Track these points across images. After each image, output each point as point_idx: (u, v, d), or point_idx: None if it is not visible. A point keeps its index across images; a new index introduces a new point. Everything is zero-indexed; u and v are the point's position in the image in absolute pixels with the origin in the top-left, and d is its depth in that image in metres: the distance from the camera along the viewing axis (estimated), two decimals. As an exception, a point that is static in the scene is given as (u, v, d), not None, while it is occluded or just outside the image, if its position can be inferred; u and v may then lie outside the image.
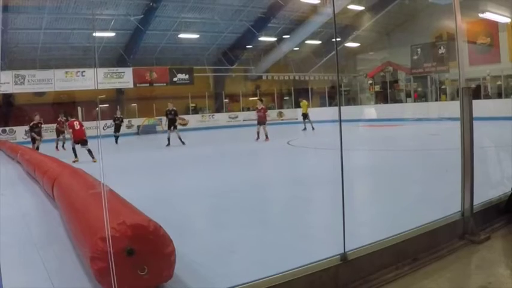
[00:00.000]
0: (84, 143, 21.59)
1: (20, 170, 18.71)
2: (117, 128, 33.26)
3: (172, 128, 28.61)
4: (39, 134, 26.03)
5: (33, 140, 25.73)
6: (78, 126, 22.01)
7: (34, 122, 26.19)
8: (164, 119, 30.85)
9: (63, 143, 28.87)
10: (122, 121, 34.33)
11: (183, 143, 27.79)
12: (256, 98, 39.33)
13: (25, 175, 16.96)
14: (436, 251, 6.05)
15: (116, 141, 31.79)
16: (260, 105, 30.28)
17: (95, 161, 19.30)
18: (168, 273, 5.18)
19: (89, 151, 20.88)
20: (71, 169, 10.93)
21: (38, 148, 24.93)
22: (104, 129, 39.61)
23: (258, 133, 28.94)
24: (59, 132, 29.34)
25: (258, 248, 7.11)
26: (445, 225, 6.48)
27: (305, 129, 35.28)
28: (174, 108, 29.30)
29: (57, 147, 29.19)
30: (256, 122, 29.73)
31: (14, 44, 41.22)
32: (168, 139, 28.15)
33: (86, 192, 7.54)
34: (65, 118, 26.88)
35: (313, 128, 35.29)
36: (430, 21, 41.79)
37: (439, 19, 38.79)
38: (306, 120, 36.56)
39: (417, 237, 6.01)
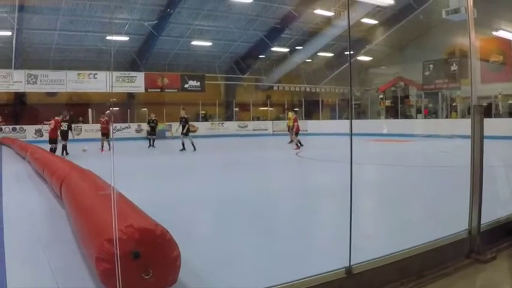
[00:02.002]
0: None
1: (29, 168, 18.74)
2: (153, 130, 34.33)
3: (182, 133, 29.14)
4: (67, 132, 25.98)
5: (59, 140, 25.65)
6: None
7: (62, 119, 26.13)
8: (176, 124, 31.41)
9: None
10: (157, 123, 34.88)
11: (194, 148, 28.16)
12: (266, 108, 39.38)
13: (34, 174, 16.99)
14: (442, 269, 6.02)
15: (152, 144, 33.18)
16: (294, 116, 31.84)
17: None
18: (172, 278, 5.16)
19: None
20: (79, 170, 10.93)
21: (64, 148, 24.88)
22: (113, 132, 39.69)
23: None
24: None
25: (262, 257, 7.10)
26: (452, 242, 6.45)
27: (291, 141, 34.09)
28: (185, 116, 29.73)
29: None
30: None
31: (29, 44, 41.45)
32: (182, 144, 28.94)
33: (94, 193, 7.54)
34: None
35: (292, 141, 34.92)
36: (443, 38, 41.74)
37: (452, 36, 38.73)
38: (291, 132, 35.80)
39: (423, 253, 5.98)
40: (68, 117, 26.32)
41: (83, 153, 26.11)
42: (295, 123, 30.97)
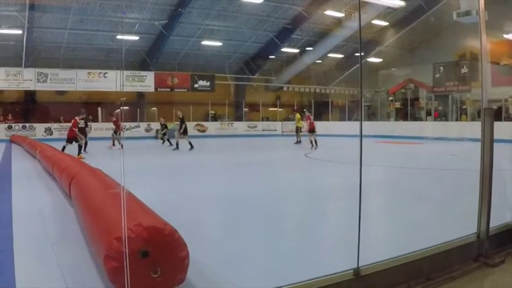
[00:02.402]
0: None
1: (39, 166, 18.79)
2: (164, 134, 35.15)
3: (180, 133, 30.10)
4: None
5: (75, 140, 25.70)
6: None
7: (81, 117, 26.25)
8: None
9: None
10: (166, 126, 36.09)
11: (192, 147, 28.89)
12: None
13: (43, 172, 17.03)
14: (450, 272, 6.00)
15: (166, 140, 33.74)
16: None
17: None
18: (181, 276, 5.17)
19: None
20: (88, 168, 10.96)
21: (81, 147, 24.92)
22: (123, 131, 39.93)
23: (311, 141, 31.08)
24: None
25: (270, 258, 7.10)
26: (460, 246, 6.43)
27: (300, 142, 34.91)
28: (181, 116, 30.73)
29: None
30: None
31: (39, 43, 41.54)
32: (177, 143, 29.92)
33: (103, 191, 7.56)
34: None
35: (300, 141, 35.12)
36: (454, 40, 41.70)
37: (463, 38, 38.67)
38: (300, 133, 36.22)
39: (431, 256, 5.97)
40: (85, 115, 26.45)
41: (94, 151, 26.12)
42: (309, 121, 31.86)
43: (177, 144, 29.61)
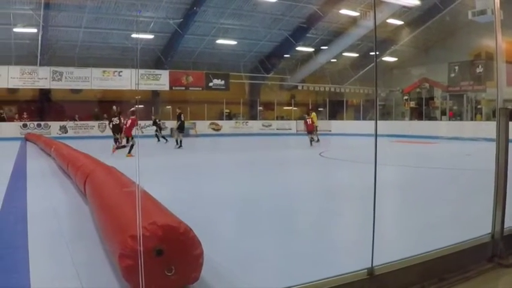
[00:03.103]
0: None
1: (53, 164, 18.86)
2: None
3: (177, 129, 30.89)
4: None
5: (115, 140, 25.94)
6: None
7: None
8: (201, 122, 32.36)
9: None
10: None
11: (180, 145, 30.06)
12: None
13: (58, 170, 17.09)
14: (464, 272, 5.98)
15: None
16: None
17: None
18: (195, 275, 5.18)
19: None
20: (103, 166, 10.99)
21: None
22: (142, 132, 40.25)
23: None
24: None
25: (284, 257, 7.10)
26: (474, 246, 6.40)
27: (318, 140, 35.19)
28: (178, 113, 31.47)
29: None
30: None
31: (54, 41, 41.69)
32: (176, 141, 30.70)
33: (118, 190, 7.58)
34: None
35: (318, 140, 35.27)
36: (469, 39, 41.51)
37: (478, 37, 38.48)
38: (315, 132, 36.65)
39: (445, 256, 5.94)
40: (119, 111, 26.70)
41: (107, 149, 26.18)
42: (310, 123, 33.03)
43: (179, 142, 30.30)
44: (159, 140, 36.12)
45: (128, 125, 25.13)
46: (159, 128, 37.74)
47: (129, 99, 43.10)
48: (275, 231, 8.73)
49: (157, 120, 38.41)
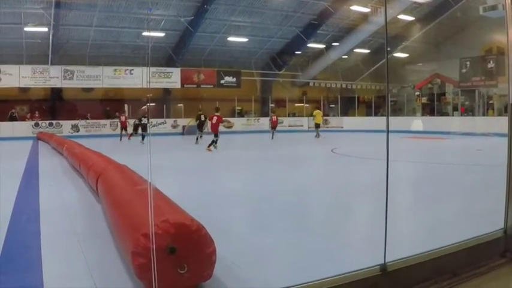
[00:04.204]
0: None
1: (65, 163, 18.92)
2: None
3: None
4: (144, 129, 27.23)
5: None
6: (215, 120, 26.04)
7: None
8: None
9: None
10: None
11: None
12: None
13: (70, 168, 17.15)
14: (476, 268, 5.97)
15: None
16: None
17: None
18: (208, 273, 5.20)
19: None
20: (115, 165, 11.01)
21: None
22: (150, 128, 40.53)
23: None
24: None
25: (297, 254, 7.11)
26: (487, 242, 6.39)
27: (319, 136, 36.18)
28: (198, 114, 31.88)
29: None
30: None
31: (65, 40, 41.80)
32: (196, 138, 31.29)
33: (130, 188, 7.61)
34: None
35: (318, 136, 35.98)
36: (480, 35, 41.44)
37: (489, 32, 38.43)
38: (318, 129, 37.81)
39: (457, 252, 5.94)
40: (146, 110, 27.64)
41: (118, 147, 26.24)
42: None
43: (198, 138, 31.04)
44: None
45: (214, 122, 25.80)
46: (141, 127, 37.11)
47: (141, 97, 43.26)
48: (287, 228, 8.75)
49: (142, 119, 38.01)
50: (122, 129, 36.38)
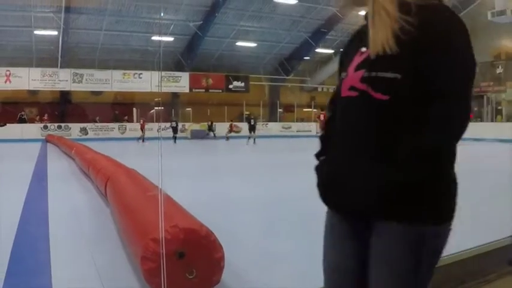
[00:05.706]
0: None
1: (74, 166, 18.95)
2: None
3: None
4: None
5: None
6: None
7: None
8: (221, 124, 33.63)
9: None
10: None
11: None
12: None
13: (79, 172, 17.18)
14: (484, 275, 5.97)
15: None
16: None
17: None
18: (216, 278, 5.21)
19: None
20: (124, 169, 11.03)
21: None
22: (158, 131, 40.84)
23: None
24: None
25: (307, 259, 7.11)
26: (494, 249, 6.38)
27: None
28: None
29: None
30: None
31: (74, 44, 41.97)
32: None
33: (139, 192, 7.63)
34: None
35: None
36: (489, 40, 41.33)
37: (498, 38, 38.39)
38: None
39: (465, 260, 5.93)
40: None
41: (128, 151, 26.31)
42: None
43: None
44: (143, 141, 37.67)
45: (322, 119, 26.86)
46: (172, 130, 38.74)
47: (149, 101, 43.38)
48: (297, 234, 8.73)
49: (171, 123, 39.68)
50: (142, 131, 38.22)
